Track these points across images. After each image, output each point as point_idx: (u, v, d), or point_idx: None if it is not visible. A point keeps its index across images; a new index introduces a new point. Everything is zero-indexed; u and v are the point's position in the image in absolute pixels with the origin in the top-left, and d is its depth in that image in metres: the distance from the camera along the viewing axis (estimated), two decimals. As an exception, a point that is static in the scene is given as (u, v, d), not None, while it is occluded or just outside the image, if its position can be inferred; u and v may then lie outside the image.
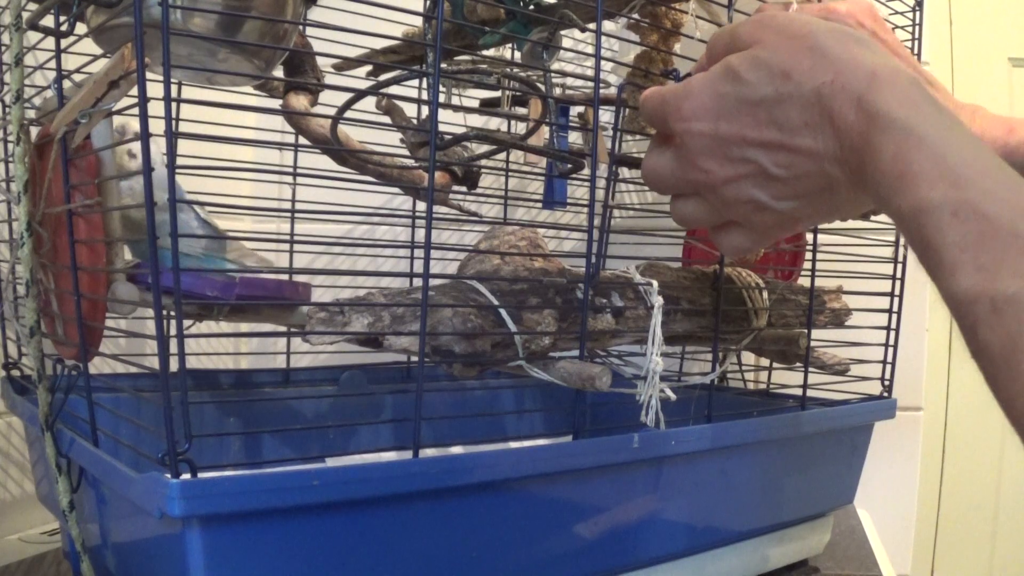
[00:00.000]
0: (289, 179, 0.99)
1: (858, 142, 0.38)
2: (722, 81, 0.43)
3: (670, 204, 0.49)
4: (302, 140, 0.66)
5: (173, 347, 0.43)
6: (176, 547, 0.43)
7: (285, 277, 0.63)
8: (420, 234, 0.90)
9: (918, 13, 0.80)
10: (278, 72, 0.66)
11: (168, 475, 0.41)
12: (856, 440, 0.78)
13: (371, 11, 0.53)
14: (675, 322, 0.64)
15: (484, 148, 0.70)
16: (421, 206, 0.89)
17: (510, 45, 0.84)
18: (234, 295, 0.56)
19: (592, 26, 0.57)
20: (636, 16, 0.75)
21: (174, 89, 0.62)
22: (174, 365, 0.43)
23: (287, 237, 0.88)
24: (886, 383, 0.79)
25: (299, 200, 0.87)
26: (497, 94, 0.85)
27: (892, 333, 0.79)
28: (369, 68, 0.81)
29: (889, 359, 0.79)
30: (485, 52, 0.77)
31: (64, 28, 0.51)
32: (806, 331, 0.73)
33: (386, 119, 0.67)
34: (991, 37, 1.31)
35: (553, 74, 0.79)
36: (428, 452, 0.49)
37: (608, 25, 0.94)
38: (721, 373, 0.81)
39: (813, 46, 0.40)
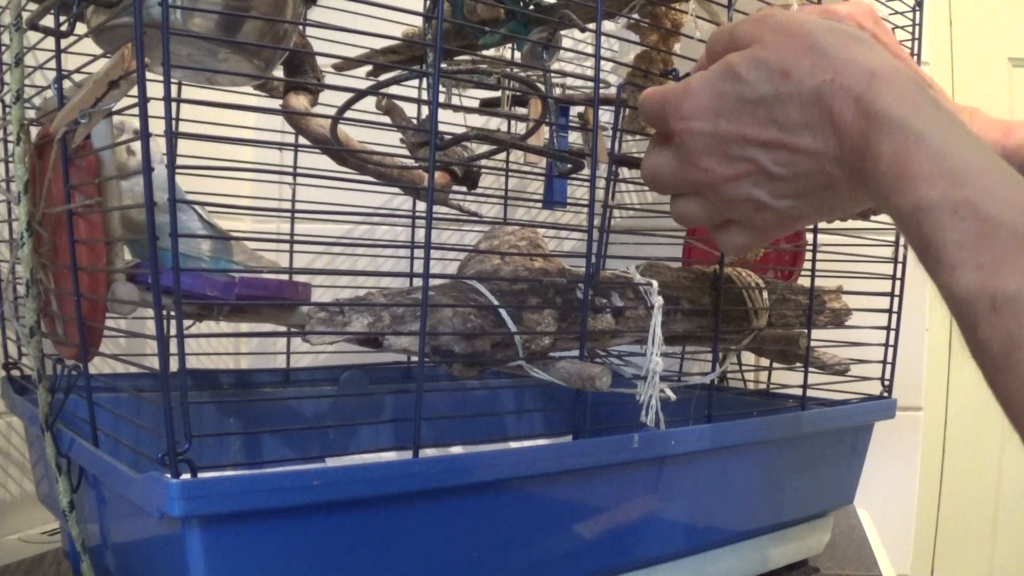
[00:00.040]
0: (289, 179, 0.99)
1: (858, 141, 0.38)
2: (722, 80, 0.43)
3: (670, 203, 0.49)
4: (302, 140, 0.66)
5: (173, 347, 0.43)
6: (176, 547, 0.43)
7: (285, 277, 0.63)
8: (420, 234, 0.90)
9: (918, 13, 0.80)
10: (278, 72, 0.66)
11: (168, 475, 0.41)
12: (856, 440, 0.78)
13: (371, 11, 0.53)
14: (675, 322, 0.64)
15: (484, 148, 0.70)
16: (421, 206, 0.89)
17: (510, 45, 0.84)
18: (234, 295, 0.56)
19: (592, 26, 0.57)
20: (636, 16, 0.75)
21: (174, 89, 0.62)
22: (174, 365, 0.43)
23: (287, 237, 0.88)
24: (886, 383, 0.79)
25: (299, 200, 0.87)
26: (497, 94, 0.85)
27: (892, 333, 0.79)
28: (369, 68, 0.81)
29: (889, 359, 0.79)
30: (485, 52, 0.77)
31: (64, 28, 0.51)
32: (806, 331, 0.73)
33: (386, 119, 0.67)
34: (991, 37, 1.31)
35: (553, 74, 0.79)
36: (428, 452, 0.49)
37: (608, 25, 0.94)
38: (721, 373, 0.81)
39: (813, 45, 0.40)
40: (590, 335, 0.57)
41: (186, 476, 0.41)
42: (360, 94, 0.55)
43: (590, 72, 0.81)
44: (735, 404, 0.77)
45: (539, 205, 0.98)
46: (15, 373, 0.68)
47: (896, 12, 0.79)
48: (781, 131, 0.41)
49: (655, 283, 0.60)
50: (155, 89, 0.41)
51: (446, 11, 0.71)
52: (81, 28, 0.53)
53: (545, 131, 0.82)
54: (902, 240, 0.79)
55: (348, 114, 0.58)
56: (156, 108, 0.41)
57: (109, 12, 0.51)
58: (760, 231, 0.46)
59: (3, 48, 0.62)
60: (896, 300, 0.79)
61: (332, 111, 0.60)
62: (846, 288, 0.79)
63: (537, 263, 0.59)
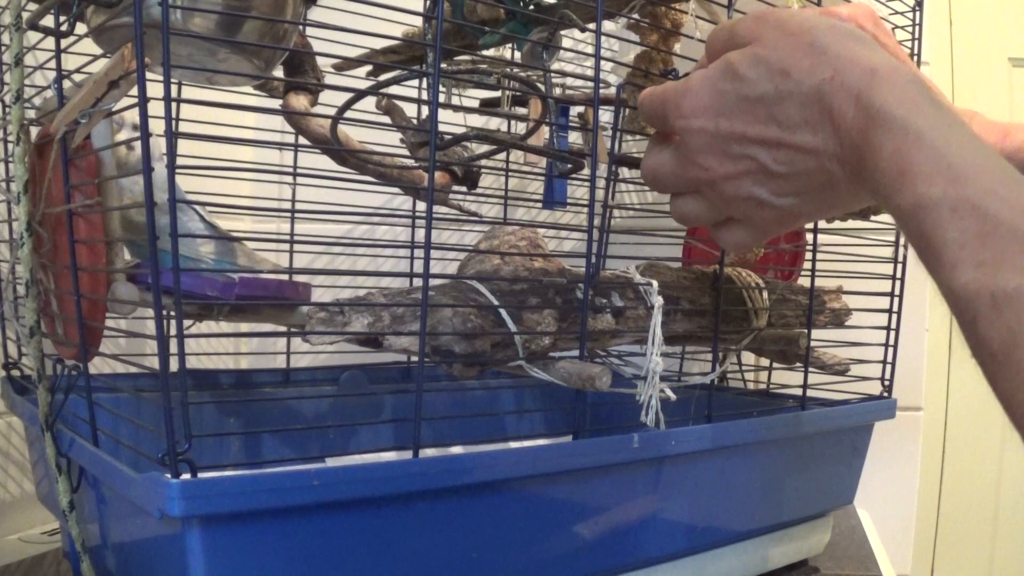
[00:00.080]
0: (289, 179, 0.99)
1: (857, 139, 0.38)
2: (722, 78, 0.43)
3: (670, 202, 0.49)
4: (302, 140, 0.66)
5: (173, 347, 0.43)
6: (176, 547, 0.43)
7: (285, 277, 0.63)
8: (420, 234, 0.90)
9: (918, 13, 0.80)
10: (278, 72, 0.66)
11: (168, 475, 0.41)
12: (856, 440, 0.78)
13: (371, 11, 0.53)
14: (675, 322, 0.64)
15: (484, 148, 0.70)
16: (421, 206, 0.89)
17: (510, 45, 0.84)
18: (234, 295, 0.56)
19: (592, 26, 0.57)
20: (636, 16, 0.75)
21: (174, 89, 0.62)
22: (174, 365, 0.43)
23: (287, 237, 0.88)
24: (886, 383, 0.79)
25: (299, 200, 0.87)
26: (497, 94, 0.85)
27: (892, 333, 0.79)
28: (369, 68, 0.81)
29: (889, 359, 0.79)
30: (485, 52, 0.77)
31: (64, 28, 0.51)
32: (806, 331, 0.73)
33: (386, 119, 0.67)
34: (991, 37, 1.31)
35: (553, 74, 0.79)
36: (428, 452, 0.49)
37: (608, 25, 0.94)
38: (721, 373, 0.81)
39: (812, 43, 0.40)
40: (590, 335, 0.57)
41: (186, 476, 0.41)
42: (360, 94, 0.55)
43: (590, 72, 0.81)
44: (735, 404, 0.77)
45: (539, 205, 0.98)
46: (15, 373, 0.68)
47: (896, 12, 0.79)
48: (781, 129, 0.41)
49: (655, 283, 0.60)
50: (155, 89, 0.41)
51: (446, 11, 0.71)
52: (81, 28, 0.53)
53: (545, 131, 0.82)
54: (902, 240, 0.79)
55: (348, 114, 0.58)
56: (156, 108, 0.41)
57: (109, 12, 0.51)
58: (760, 229, 0.46)
59: (3, 48, 0.62)
60: (896, 300, 0.79)
61: (332, 111, 0.60)
62: (846, 288, 0.79)
63: (537, 263, 0.59)
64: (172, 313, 0.42)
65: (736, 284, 0.69)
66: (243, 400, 0.80)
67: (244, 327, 0.74)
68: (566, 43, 1.00)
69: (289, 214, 0.90)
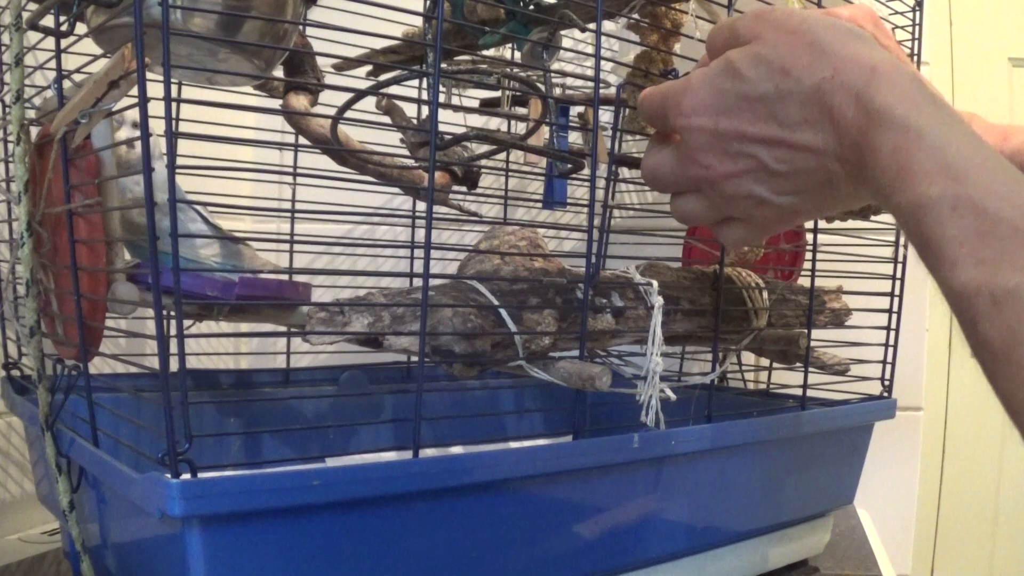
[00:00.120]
0: (289, 179, 0.99)
1: (857, 138, 0.38)
2: (722, 77, 0.43)
3: (670, 202, 0.49)
4: (302, 140, 0.66)
5: (173, 347, 0.43)
6: (176, 547, 0.43)
7: (285, 277, 0.63)
8: (420, 234, 0.90)
9: (918, 13, 0.80)
10: (278, 72, 0.66)
11: (168, 475, 0.41)
12: (856, 440, 0.78)
13: (371, 11, 0.53)
14: (675, 322, 0.64)
15: (484, 148, 0.70)
16: (421, 206, 0.89)
17: (510, 45, 0.84)
18: (234, 295, 0.56)
19: (592, 26, 0.57)
20: (636, 16, 0.75)
21: (174, 89, 0.62)
22: (174, 365, 0.43)
23: (287, 237, 0.88)
24: (886, 383, 0.79)
25: (299, 200, 0.87)
26: (497, 94, 0.85)
27: (892, 333, 0.79)
28: (369, 68, 0.81)
29: (889, 359, 0.79)
30: (485, 52, 0.77)
31: (64, 28, 0.51)
32: (806, 331, 0.73)
33: (386, 119, 0.67)
34: (991, 37, 1.31)
35: (553, 74, 0.79)
36: (428, 452, 0.49)
37: (608, 25, 0.94)
38: (721, 373, 0.81)
39: (813, 42, 0.40)
40: (590, 335, 0.57)
41: (186, 476, 0.41)
42: (360, 94, 0.55)
43: (590, 72, 0.81)
44: (735, 404, 0.77)
45: (539, 205, 0.98)
46: (15, 373, 0.68)
47: (896, 12, 0.79)
48: (781, 128, 0.41)
49: (655, 283, 0.60)
50: (155, 89, 0.41)
51: (446, 11, 0.71)
52: (81, 28, 0.53)
53: (545, 131, 0.82)
54: (902, 240, 0.79)
55: (348, 114, 0.58)
56: (156, 108, 0.41)
57: (109, 12, 0.51)
58: (760, 227, 0.46)
59: (3, 48, 0.62)
60: (896, 300, 0.79)
61: (332, 111, 0.60)
62: (846, 288, 0.79)
63: (537, 263, 0.59)
64: (172, 313, 0.42)
65: (736, 284, 0.69)
66: (243, 400, 0.80)
67: (244, 327, 0.74)
68: (566, 43, 1.00)
69: (289, 214, 0.90)
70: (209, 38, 0.55)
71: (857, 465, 0.79)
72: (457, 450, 0.64)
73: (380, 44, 0.78)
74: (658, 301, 0.58)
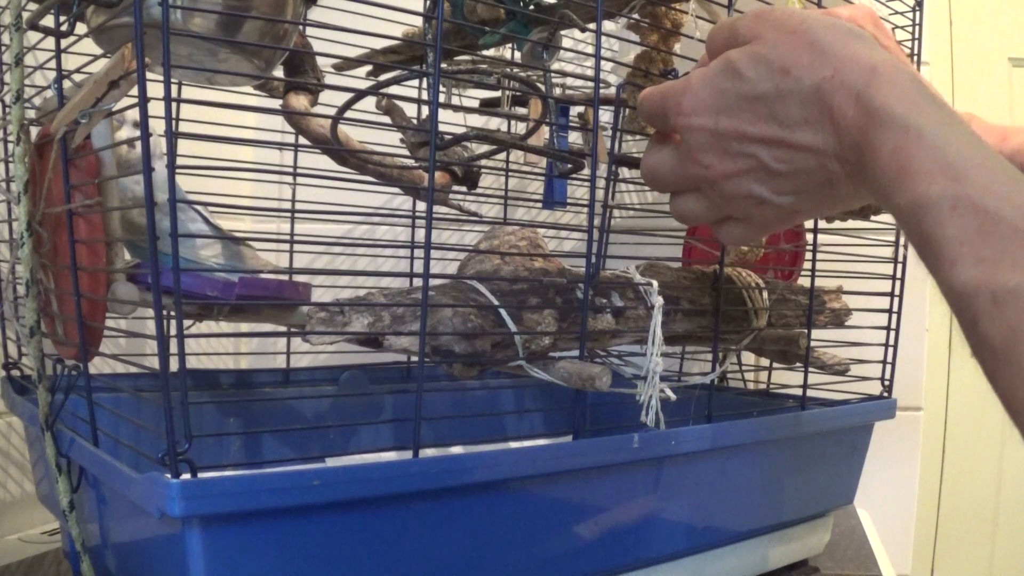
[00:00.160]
0: (289, 179, 0.99)
1: (858, 138, 0.38)
2: (722, 77, 0.43)
3: (670, 201, 0.49)
4: (302, 140, 0.66)
5: (173, 347, 0.43)
6: (176, 547, 0.43)
7: (285, 277, 0.63)
8: (420, 234, 0.90)
9: (918, 13, 0.80)
10: (278, 72, 0.66)
11: (168, 475, 0.41)
12: (856, 440, 0.78)
13: (371, 11, 0.53)
14: (675, 322, 0.64)
15: (484, 148, 0.70)
16: (421, 206, 0.89)
17: (510, 45, 0.84)
18: (234, 295, 0.56)
19: (592, 26, 0.57)
20: (636, 16, 0.75)
21: (174, 89, 0.62)
22: (174, 365, 0.43)
23: (287, 237, 0.88)
24: (886, 383, 0.79)
25: (299, 200, 0.87)
26: (497, 94, 0.85)
27: (892, 333, 0.79)
28: (369, 68, 0.81)
29: (889, 359, 0.79)
30: (485, 52, 0.77)
31: (64, 28, 0.51)
32: (806, 331, 0.73)
33: (386, 119, 0.67)
34: (991, 37, 1.31)
35: (553, 74, 0.79)
36: (428, 452, 0.49)
37: (608, 25, 0.94)
38: (721, 373, 0.81)
39: (813, 41, 0.40)
40: (590, 335, 0.57)
41: (186, 476, 0.41)
42: (360, 94, 0.55)
43: (590, 72, 0.81)
44: (735, 404, 0.77)
45: (539, 205, 0.98)
46: (15, 373, 0.68)
47: (896, 12, 0.79)
48: (781, 128, 0.41)
49: (655, 283, 0.60)
50: (155, 89, 0.41)
51: (446, 11, 0.71)
52: (81, 28, 0.53)
53: (545, 131, 0.82)
54: (902, 240, 0.79)
55: (348, 114, 0.58)
56: (156, 108, 0.41)
57: (109, 12, 0.51)
58: (760, 226, 0.46)
59: (3, 48, 0.62)
60: (896, 300, 0.79)
61: (332, 111, 0.60)
62: (846, 288, 0.79)
63: (537, 263, 0.59)
64: (172, 313, 0.42)
65: (736, 284, 0.69)
66: (243, 400, 0.80)
67: (244, 327, 0.74)
68: (566, 43, 1.00)
69: (289, 214, 0.90)
70: (209, 38, 0.55)
71: (857, 465, 0.79)
72: (457, 450, 0.64)
73: (380, 44, 0.78)
74: (658, 301, 0.58)
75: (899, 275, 0.79)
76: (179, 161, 0.43)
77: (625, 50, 1.05)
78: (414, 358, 0.55)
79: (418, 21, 0.78)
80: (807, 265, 0.72)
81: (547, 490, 0.55)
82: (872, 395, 0.78)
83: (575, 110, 0.91)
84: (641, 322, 0.59)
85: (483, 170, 0.78)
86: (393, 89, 0.61)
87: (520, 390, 0.97)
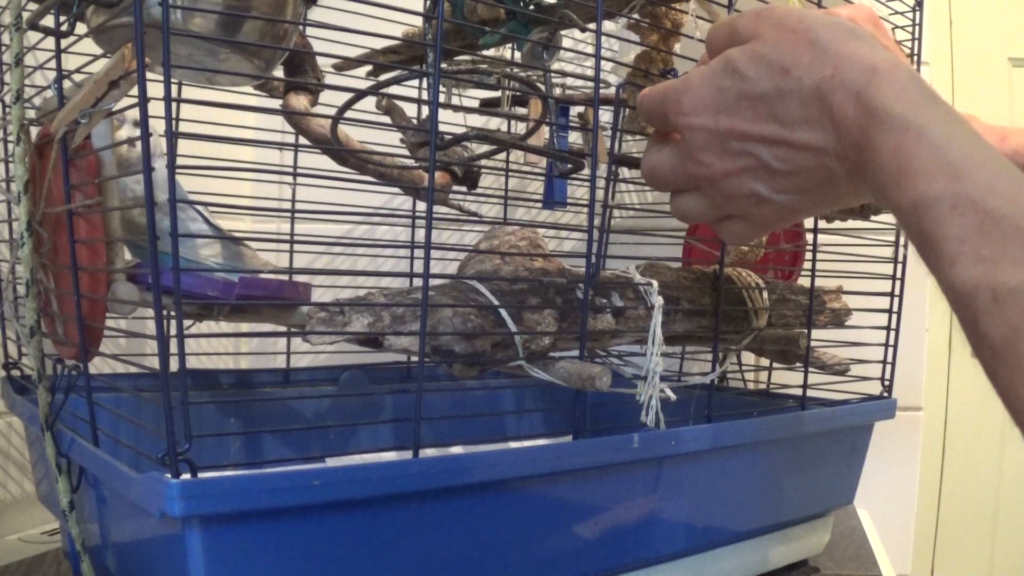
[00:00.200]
0: (289, 179, 0.99)
1: (858, 137, 0.38)
2: (722, 75, 0.43)
3: (670, 200, 0.49)
4: (302, 140, 0.66)
5: (173, 347, 0.43)
6: (176, 547, 0.43)
7: (285, 277, 0.63)
8: (420, 234, 0.90)
9: (918, 13, 0.80)
10: (278, 72, 0.66)
11: (168, 475, 0.41)
12: (856, 440, 0.78)
13: (371, 11, 0.53)
14: (675, 322, 0.64)
15: (484, 148, 0.70)
16: (421, 206, 0.89)
17: (510, 45, 0.84)
18: (234, 295, 0.56)
19: (592, 26, 0.57)
20: (636, 16, 0.75)
21: (174, 89, 0.62)
22: (174, 365, 0.43)
23: (287, 237, 0.88)
24: (886, 383, 0.79)
25: (299, 200, 0.87)
26: (497, 94, 0.85)
27: (892, 333, 0.79)
28: (369, 68, 0.81)
29: (889, 359, 0.79)
30: (485, 52, 0.77)
31: (64, 28, 0.51)
32: (806, 331, 0.73)
33: (386, 119, 0.67)
34: (991, 37, 1.31)
35: (553, 74, 0.79)
36: (428, 452, 0.49)
37: (608, 25, 0.94)
38: (721, 373, 0.81)
39: (813, 40, 0.40)
40: (590, 335, 0.57)
41: (186, 476, 0.41)
42: (360, 94, 0.55)
43: (590, 72, 0.81)
44: (735, 404, 0.77)
45: (539, 205, 0.98)
46: (15, 373, 0.68)
47: (896, 12, 0.79)
48: (781, 127, 0.41)
49: (655, 283, 0.60)
50: (155, 89, 0.41)
51: (446, 11, 0.71)
52: (81, 28, 0.53)
53: (545, 131, 0.82)
54: (902, 240, 0.79)
55: (348, 114, 0.58)
56: (156, 108, 0.41)
57: (109, 12, 0.51)
58: (760, 225, 0.46)
59: (3, 48, 0.62)
60: (896, 300, 0.79)
61: (332, 111, 0.60)
62: (846, 288, 0.79)
63: (537, 263, 0.59)
64: (172, 313, 0.42)
65: (736, 284, 0.69)
66: (243, 400, 0.80)
67: (244, 327, 0.74)
68: (566, 43, 1.00)
69: (289, 214, 0.90)
70: (209, 38, 0.55)
71: (857, 465, 0.79)
72: (457, 450, 0.64)
73: (380, 44, 0.78)
74: (658, 301, 0.58)
75: (899, 275, 0.79)
76: (179, 161, 0.43)
77: (625, 50, 1.05)
78: (414, 358, 0.55)
79: (418, 21, 0.78)
80: (807, 265, 0.72)
81: (547, 490, 0.55)
82: (872, 395, 0.78)
83: (575, 110, 0.91)
84: (641, 322, 0.59)
85: (483, 170, 0.78)
86: (393, 89, 0.61)
87: (520, 390, 0.97)
